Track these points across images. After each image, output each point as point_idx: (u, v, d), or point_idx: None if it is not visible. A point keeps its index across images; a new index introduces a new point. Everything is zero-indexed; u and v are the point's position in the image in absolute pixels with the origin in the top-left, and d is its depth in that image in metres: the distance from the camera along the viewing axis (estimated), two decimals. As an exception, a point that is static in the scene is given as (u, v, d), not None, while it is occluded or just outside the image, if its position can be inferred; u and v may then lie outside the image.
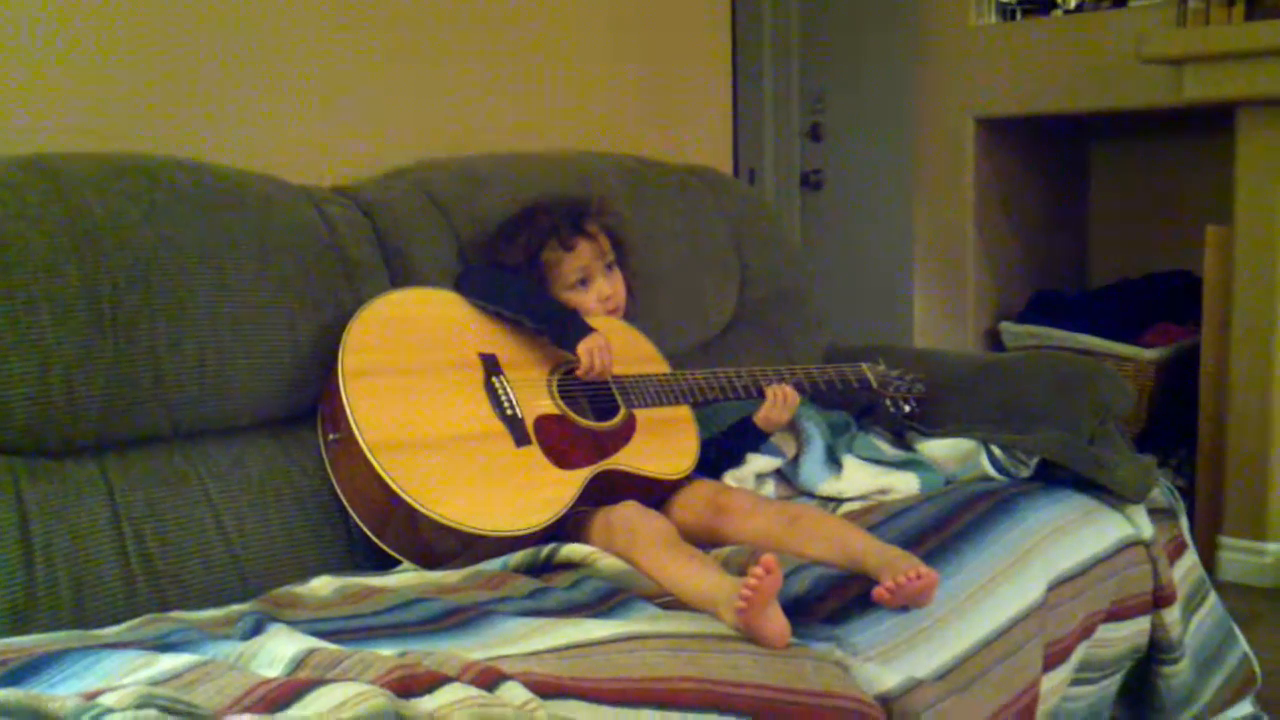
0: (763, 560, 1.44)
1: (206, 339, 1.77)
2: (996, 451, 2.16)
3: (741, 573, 1.58)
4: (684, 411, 2.03)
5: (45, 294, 1.63)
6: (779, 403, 2.06)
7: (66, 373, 1.63)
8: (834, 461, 2.17)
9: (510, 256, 2.08)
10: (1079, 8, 3.62)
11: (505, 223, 2.14)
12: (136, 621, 1.52)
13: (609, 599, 1.56)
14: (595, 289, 2.10)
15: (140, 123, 2.10)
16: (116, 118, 2.07)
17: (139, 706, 1.09)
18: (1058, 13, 3.66)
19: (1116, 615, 2.03)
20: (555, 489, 1.80)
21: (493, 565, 1.68)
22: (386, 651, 1.29)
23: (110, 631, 1.49)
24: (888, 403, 2.23)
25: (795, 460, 2.18)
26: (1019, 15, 3.73)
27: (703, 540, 1.78)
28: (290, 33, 2.31)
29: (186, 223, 1.79)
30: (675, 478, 1.93)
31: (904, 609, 1.63)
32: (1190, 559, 2.28)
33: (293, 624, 1.43)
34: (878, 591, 1.60)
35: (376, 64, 2.46)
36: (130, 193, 1.76)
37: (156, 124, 2.12)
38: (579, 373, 1.92)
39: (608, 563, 1.66)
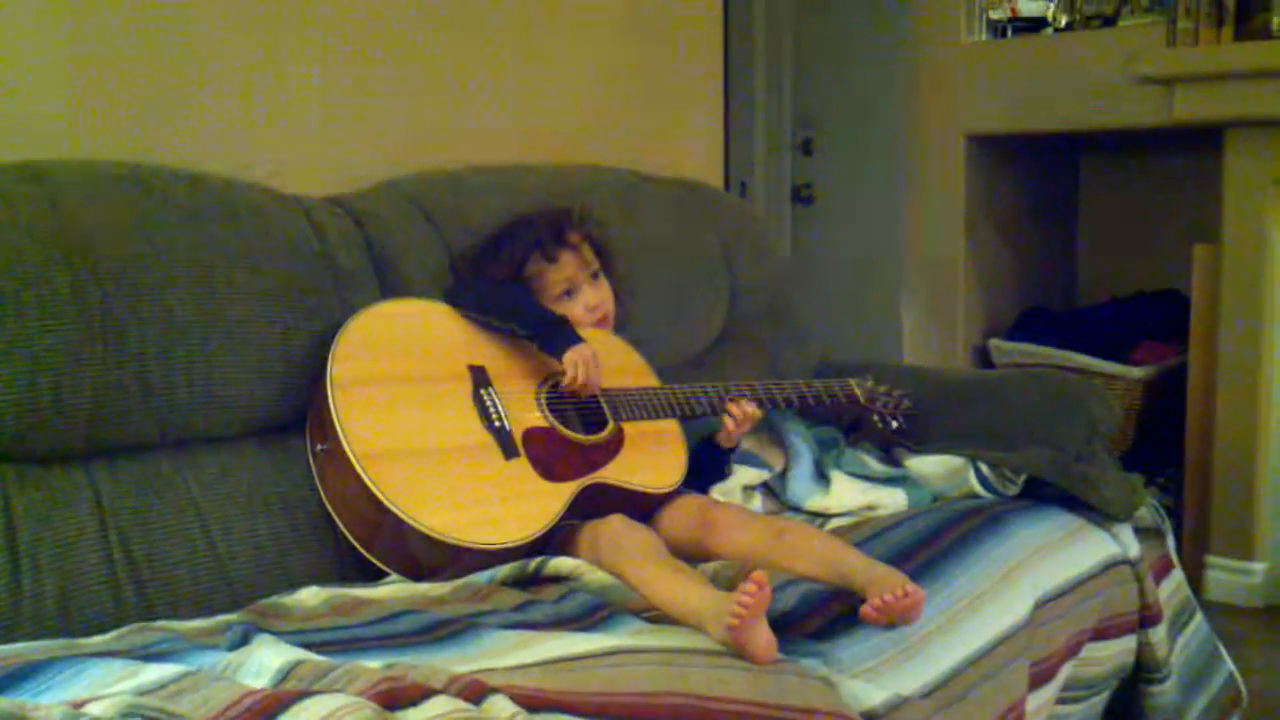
0: (754, 576, 1.44)
1: (196, 347, 1.76)
2: (984, 469, 2.17)
3: (729, 587, 1.59)
4: (672, 425, 2.03)
5: (35, 301, 1.62)
6: (738, 420, 2.01)
7: (55, 380, 1.63)
8: (822, 477, 2.18)
9: (495, 272, 2.08)
10: (1069, 26, 3.63)
11: (489, 238, 2.15)
12: (122, 631, 1.52)
13: (596, 613, 1.57)
14: (582, 299, 2.11)
15: (133, 131, 2.10)
16: (109, 126, 2.07)
17: (124, 716, 1.09)
18: (1048, 31, 3.67)
19: (1102, 634, 2.04)
20: (543, 502, 1.80)
21: (480, 577, 1.68)
22: (373, 663, 1.29)
23: (96, 640, 1.49)
24: (875, 418, 2.23)
25: (783, 475, 2.19)
26: (1010, 33, 3.75)
27: (690, 554, 1.78)
28: (285, 43, 2.31)
29: (177, 231, 1.79)
30: (663, 491, 1.93)
31: (891, 626, 1.64)
32: (1176, 578, 2.29)
33: (279, 635, 1.43)
34: (865, 610, 1.60)
35: (371, 75, 2.46)
36: (122, 201, 1.76)
37: (149, 133, 2.12)
38: (564, 384, 1.92)
39: (595, 576, 1.66)
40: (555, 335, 1.94)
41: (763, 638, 1.46)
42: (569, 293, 2.10)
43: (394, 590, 1.65)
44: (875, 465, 2.25)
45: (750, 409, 2.00)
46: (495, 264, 2.09)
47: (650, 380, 2.09)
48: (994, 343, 3.86)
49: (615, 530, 1.74)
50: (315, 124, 2.37)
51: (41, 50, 1.99)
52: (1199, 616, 2.32)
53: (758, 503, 2.14)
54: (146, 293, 1.72)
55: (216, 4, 2.20)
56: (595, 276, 2.15)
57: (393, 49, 2.50)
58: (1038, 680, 1.86)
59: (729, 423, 2.00)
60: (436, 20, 2.57)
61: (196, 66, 2.18)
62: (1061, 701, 1.97)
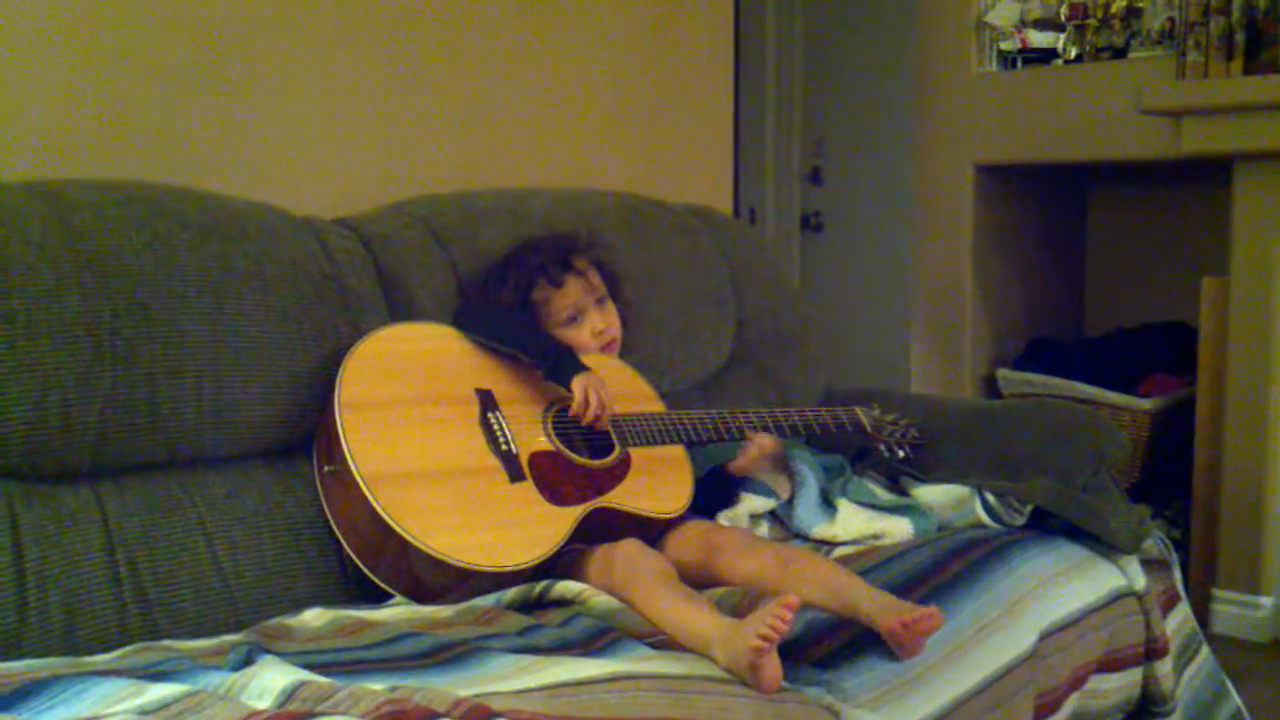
0: (787, 600, 1.44)
1: (205, 368, 1.77)
2: (991, 499, 2.16)
3: (735, 614, 1.58)
4: (679, 451, 2.03)
5: (46, 319, 1.63)
6: (755, 452, 2.06)
7: (64, 398, 1.64)
8: (828, 505, 2.17)
9: (502, 297, 2.09)
10: (1079, 58, 3.64)
11: (495, 264, 2.16)
12: (127, 649, 1.52)
13: (600, 637, 1.56)
14: (588, 324, 2.12)
15: (144, 151, 2.11)
16: (121, 146, 2.08)
17: (127, 736, 1.09)
18: (1058, 63, 3.68)
19: (1108, 666, 2.03)
20: (548, 525, 1.80)
21: (485, 601, 1.68)
22: (377, 686, 1.29)
23: (101, 659, 1.49)
24: (882, 447, 2.24)
25: (789, 502, 2.18)
26: (1020, 64, 3.76)
27: (696, 580, 1.78)
28: (295, 64, 2.32)
29: (188, 251, 1.80)
30: (669, 517, 1.93)
31: (892, 655, 1.63)
32: (1183, 611, 2.28)
33: (284, 655, 1.43)
34: (891, 628, 1.58)
35: (380, 97, 2.47)
36: (133, 221, 1.77)
37: (161, 153, 2.13)
38: (574, 410, 1.92)
39: (600, 600, 1.66)
40: (562, 364, 1.94)
41: (770, 666, 1.46)
42: (574, 318, 2.11)
43: (399, 612, 1.65)
44: (882, 494, 2.24)
45: (767, 441, 2.05)
46: (502, 289, 2.10)
47: (656, 406, 2.10)
48: (1001, 372, 3.85)
49: (629, 553, 1.74)
50: (323, 145, 2.38)
51: (56, 69, 2.00)
52: (1205, 650, 2.31)
53: (764, 530, 2.13)
54: (157, 312, 1.73)
55: (228, 27, 2.22)
56: (601, 302, 2.15)
57: (400, 70, 2.51)
58: (1043, 712, 1.85)
59: (751, 450, 2.04)
60: (446, 44, 2.59)
61: (205, 86, 2.19)
62: (1067, 734, 1.96)
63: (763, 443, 2.06)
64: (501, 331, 1.99)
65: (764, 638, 1.43)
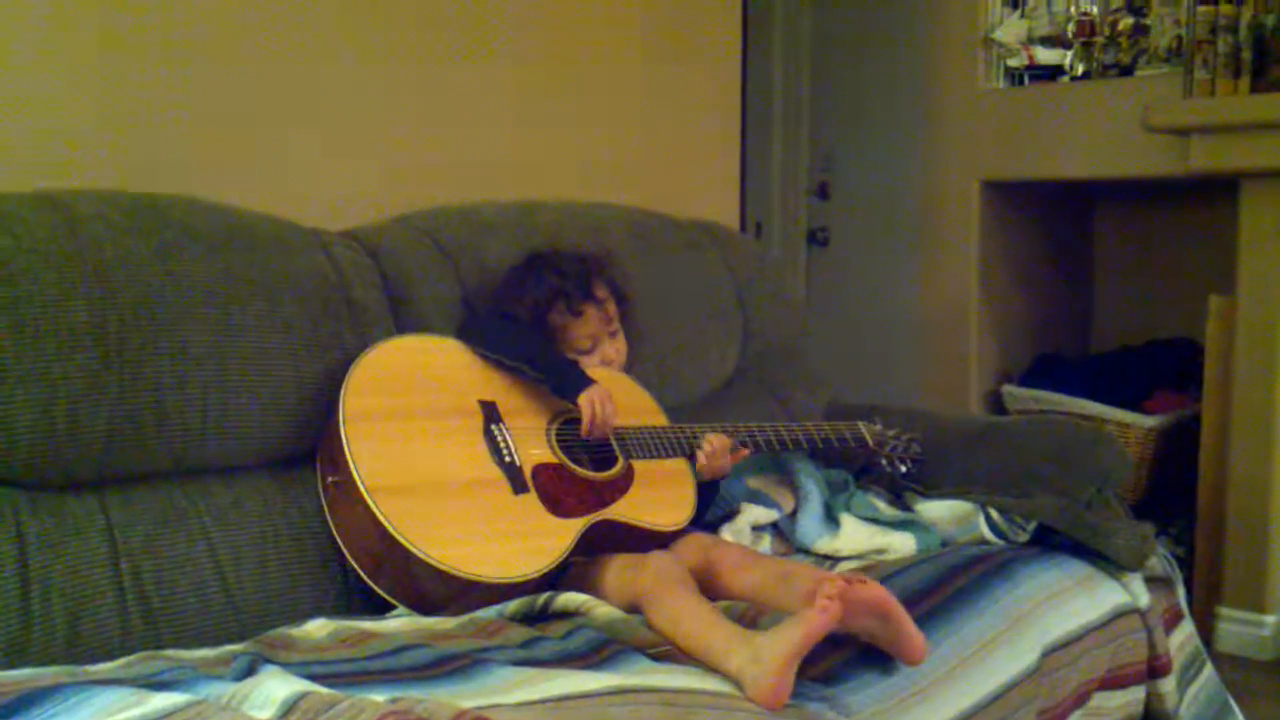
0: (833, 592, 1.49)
1: (211, 378, 1.77)
2: (994, 515, 2.16)
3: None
4: (681, 464, 2.04)
5: (53, 328, 1.64)
6: (712, 452, 2.03)
7: (71, 407, 1.64)
8: (831, 519, 2.17)
9: (516, 311, 2.08)
10: (1086, 75, 3.65)
11: (512, 272, 2.15)
12: (130, 659, 1.52)
13: (602, 649, 1.56)
14: (599, 354, 2.12)
15: (151, 161, 2.12)
16: (128, 156, 2.09)
17: (129, 745, 1.09)
18: (1065, 80, 3.69)
19: (1111, 684, 2.02)
20: (551, 537, 1.80)
21: (488, 613, 1.68)
22: (379, 697, 1.29)
23: (103, 668, 1.49)
24: (884, 462, 2.23)
25: (792, 516, 2.18)
26: (1026, 81, 3.77)
27: (696, 593, 1.78)
28: (302, 76, 2.33)
29: (195, 261, 1.80)
30: (672, 529, 1.93)
31: (894, 671, 1.62)
32: (1187, 629, 2.28)
33: (286, 666, 1.43)
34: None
35: (387, 108, 2.48)
36: (140, 230, 1.78)
37: (168, 163, 2.14)
38: (583, 426, 1.92)
39: (603, 611, 1.66)
40: (568, 379, 1.94)
41: (788, 678, 1.46)
42: (588, 351, 2.11)
43: (401, 624, 1.65)
44: (885, 509, 2.24)
45: (716, 440, 2.02)
46: (517, 305, 2.09)
47: (660, 419, 2.10)
48: (1007, 389, 3.85)
49: (663, 561, 1.73)
50: (330, 156, 2.39)
51: (63, 80, 2.01)
52: (1209, 668, 2.30)
53: (767, 544, 2.13)
54: (164, 322, 1.73)
55: (235, 38, 2.23)
56: (614, 335, 2.15)
57: (407, 81, 2.52)
58: (1045, 729, 1.85)
59: (699, 456, 2.02)
60: (451, 57, 2.60)
61: (213, 97, 2.20)
62: (1069, 751, 1.95)
63: (712, 441, 2.03)
64: (507, 345, 1.99)
65: (839, 592, 1.47)
